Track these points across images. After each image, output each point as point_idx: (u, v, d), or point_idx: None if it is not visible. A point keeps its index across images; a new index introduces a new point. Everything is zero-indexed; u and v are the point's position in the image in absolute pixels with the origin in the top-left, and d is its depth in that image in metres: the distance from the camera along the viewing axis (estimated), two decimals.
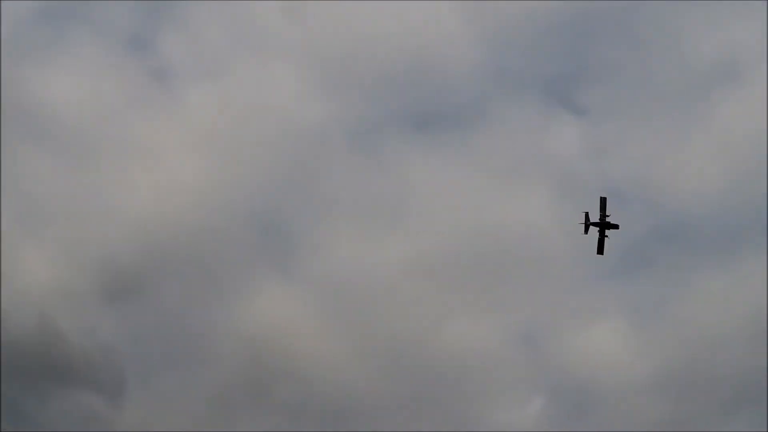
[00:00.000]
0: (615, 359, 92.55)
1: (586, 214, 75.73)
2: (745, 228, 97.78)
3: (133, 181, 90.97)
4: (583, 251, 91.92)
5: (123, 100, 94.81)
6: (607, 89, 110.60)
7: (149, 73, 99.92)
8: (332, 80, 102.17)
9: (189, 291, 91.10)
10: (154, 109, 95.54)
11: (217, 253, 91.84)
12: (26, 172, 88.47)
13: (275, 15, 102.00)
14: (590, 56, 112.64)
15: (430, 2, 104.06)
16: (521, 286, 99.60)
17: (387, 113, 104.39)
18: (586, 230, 75.43)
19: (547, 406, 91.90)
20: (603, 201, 75.63)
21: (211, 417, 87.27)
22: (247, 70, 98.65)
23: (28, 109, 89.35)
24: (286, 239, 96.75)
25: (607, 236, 76.01)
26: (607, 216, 75.17)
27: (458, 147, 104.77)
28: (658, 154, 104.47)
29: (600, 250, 76.25)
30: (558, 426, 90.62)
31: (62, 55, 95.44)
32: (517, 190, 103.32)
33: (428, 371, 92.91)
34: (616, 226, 75.89)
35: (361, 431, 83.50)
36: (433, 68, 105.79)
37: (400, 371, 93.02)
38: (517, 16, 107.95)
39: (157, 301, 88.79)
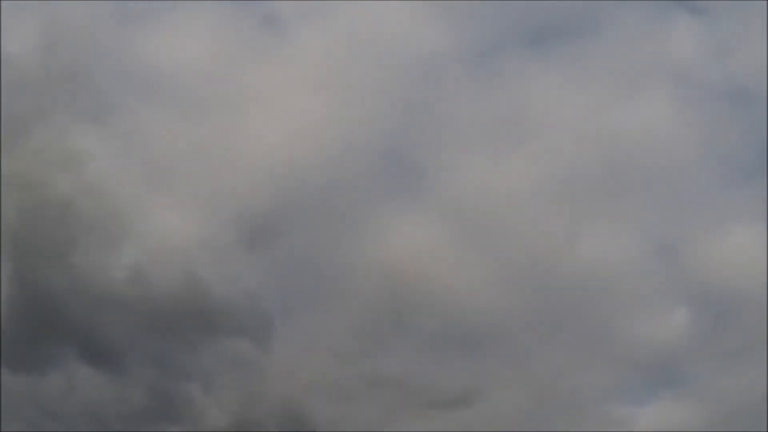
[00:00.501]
0: (756, 263, 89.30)
1: None
2: None
3: (255, 129, 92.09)
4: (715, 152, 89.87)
5: (234, 50, 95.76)
6: None
7: (258, 20, 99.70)
8: (440, 7, 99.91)
9: (323, 231, 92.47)
10: (266, 55, 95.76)
11: (346, 190, 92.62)
12: (148, 132, 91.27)
13: None
14: None
15: None
16: (653, 196, 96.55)
17: (500, 33, 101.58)
18: None
19: (691, 316, 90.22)
20: None
21: (356, 351, 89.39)
22: (355, 6, 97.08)
23: (141, 69, 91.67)
24: (413, 170, 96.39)
25: None
26: None
27: (576, 59, 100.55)
28: None
29: None
30: (703, 335, 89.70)
31: (169, 10, 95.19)
32: (639, 98, 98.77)
33: (565, 289, 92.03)
34: None
35: None
36: None
37: (536, 292, 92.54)
38: None
39: (293, 244, 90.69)
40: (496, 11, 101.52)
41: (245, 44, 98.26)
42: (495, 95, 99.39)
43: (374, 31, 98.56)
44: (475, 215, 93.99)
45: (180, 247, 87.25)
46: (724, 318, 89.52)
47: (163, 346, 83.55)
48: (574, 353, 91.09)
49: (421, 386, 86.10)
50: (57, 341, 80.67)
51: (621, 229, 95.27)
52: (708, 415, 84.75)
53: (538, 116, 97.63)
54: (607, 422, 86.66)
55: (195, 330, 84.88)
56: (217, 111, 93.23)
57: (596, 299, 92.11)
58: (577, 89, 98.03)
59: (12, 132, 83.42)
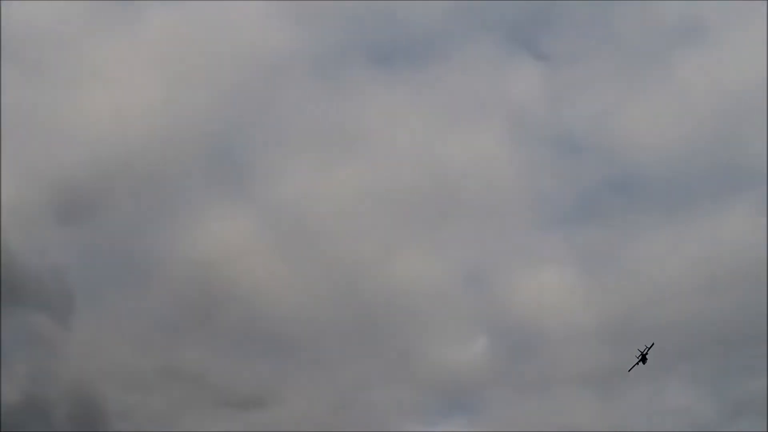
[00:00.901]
0: (560, 304, 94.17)
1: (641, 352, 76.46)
2: (696, 183, 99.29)
3: (88, 102, 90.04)
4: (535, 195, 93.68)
5: (82, 20, 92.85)
6: (570, 37, 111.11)
7: None
8: (297, 9, 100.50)
9: (140, 214, 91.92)
10: (114, 30, 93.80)
11: (170, 176, 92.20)
12: None
13: None
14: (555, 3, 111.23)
15: None
16: (472, 224, 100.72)
17: (350, 44, 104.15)
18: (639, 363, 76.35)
19: (491, 346, 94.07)
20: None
21: (157, 342, 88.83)
22: None
23: None
24: (240, 164, 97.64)
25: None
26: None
27: (417, 82, 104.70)
28: (615, 104, 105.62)
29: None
30: (501, 366, 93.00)
31: None
32: (473, 128, 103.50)
33: (375, 302, 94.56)
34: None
35: None
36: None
37: (347, 300, 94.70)
38: None
39: (108, 223, 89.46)
40: (350, 23, 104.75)
41: (94, 16, 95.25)
42: (334, 104, 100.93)
43: (226, 24, 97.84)
44: (296, 221, 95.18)
45: None
46: (522, 351, 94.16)
47: None
48: (376, 368, 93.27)
49: (219, 384, 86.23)
50: None
51: (436, 254, 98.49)
52: None
53: (372, 132, 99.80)
54: None
55: None
56: (53, 77, 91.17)
57: (403, 318, 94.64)
58: (415, 113, 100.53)
59: None
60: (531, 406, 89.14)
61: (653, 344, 74.85)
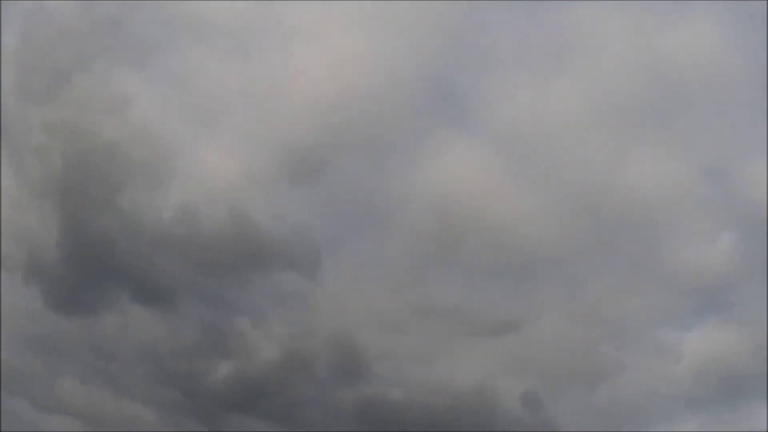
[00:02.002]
0: None
1: None
2: None
3: (298, 64, 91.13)
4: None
5: None
6: None
7: None
8: None
9: (369, 162, 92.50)
10: None
11: (391, 120, 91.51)
12: (191, 73, 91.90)
13: None
14: None
15: None
16: (700, 119, 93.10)
17: None
18: None
19: (738, 241, 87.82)
20: None
21: (405, 281, 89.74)
22: None
23: (180, 11, 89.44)
24: (458, 99, 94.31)
25: None
26: None
27: None
28: None
29: None
30: (751, 261, 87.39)
31: None
32: (685, 20, 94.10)
33: (614, 215, 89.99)
34: None
35: None
36: None
37: (584, 215, 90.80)
38: None
39: (339, 176, 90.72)
40: None
41: None
42: (538, 21, 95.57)
43: None
44: (522, 143, 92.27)
45: (226, 185, 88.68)
46: None
47: (213, 283, 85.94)
48: (622, 279, 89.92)
49: (470, 314, 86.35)
50: (110, 283, 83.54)
51: (668, 154, 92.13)
52: (754, 341, 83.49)
53: (582, 42, 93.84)
54: (654, 347, 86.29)
55: (244, 266, 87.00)
56: (258, 48, 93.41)
57: (644, 225, 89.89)
58: (622, 12, 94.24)
59: (55, 81, 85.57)
60: None
61: None
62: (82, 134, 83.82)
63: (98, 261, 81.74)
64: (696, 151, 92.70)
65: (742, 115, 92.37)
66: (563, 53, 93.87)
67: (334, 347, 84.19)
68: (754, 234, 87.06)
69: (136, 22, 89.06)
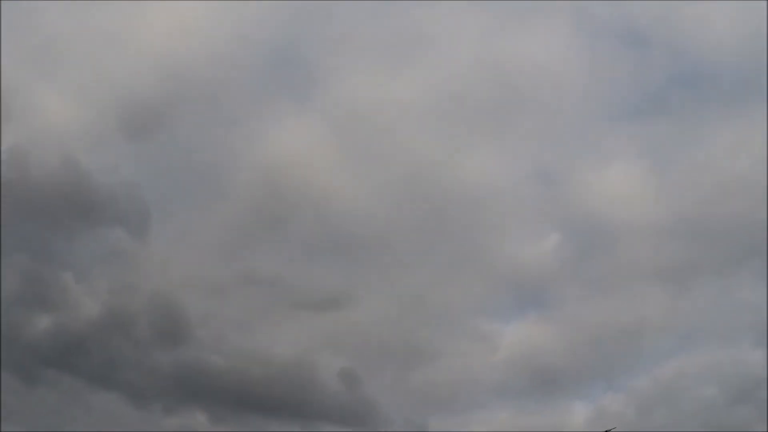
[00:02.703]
0: (629, 200, 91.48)
1: None
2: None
3: (147, 17, 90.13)
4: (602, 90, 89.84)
5: None
6: None
7: None
8: None
9: (206, 125, 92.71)
10: None
11: (233, 85, 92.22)
12: (35, 15, 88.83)
13: None
14: None
15: None
16: (539, 122, 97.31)
17: None
18: None
19: (562, 242, 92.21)
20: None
21: (230, 248, 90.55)
22: None
23: None
24: (302, 70, 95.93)
25: None
26: None
27: None
28: None
29: None
30: (572, 262, 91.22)
31: None
32: (536, 26, 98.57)
33: (445, 201, 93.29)
34: None
35: None
36: None
37: (416, 202, 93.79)
38: None
39: (176, 136, 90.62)
40: None
41: None
42: (394, 14, 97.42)
43: None
44: (363, 124, 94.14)
45: (61, 134, 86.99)
46: (593, 248, 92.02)
47: (38, 231, 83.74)
48: (448, 268, 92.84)
49: (294, 287, 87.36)
50: None
51: (504, 152, 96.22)
52: (570, 338, 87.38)
53: (436, 33, 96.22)
54: (474, 336, 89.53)
55: (72, 217, 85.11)
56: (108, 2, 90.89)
57: (473, 217, 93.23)
58: (478, 11, 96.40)
59: None
60: (602, 301, 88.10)
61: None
62: None
63: None
64: (531, 153, 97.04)
65: (576, 121, 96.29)
66: (413, 46, 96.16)
67: (156, 309, 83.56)
68: (577, 236, 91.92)
69: None
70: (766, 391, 76.40)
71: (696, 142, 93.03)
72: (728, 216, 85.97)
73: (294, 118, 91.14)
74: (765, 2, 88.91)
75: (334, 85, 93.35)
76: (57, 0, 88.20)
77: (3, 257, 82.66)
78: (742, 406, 78.50)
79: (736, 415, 77.71)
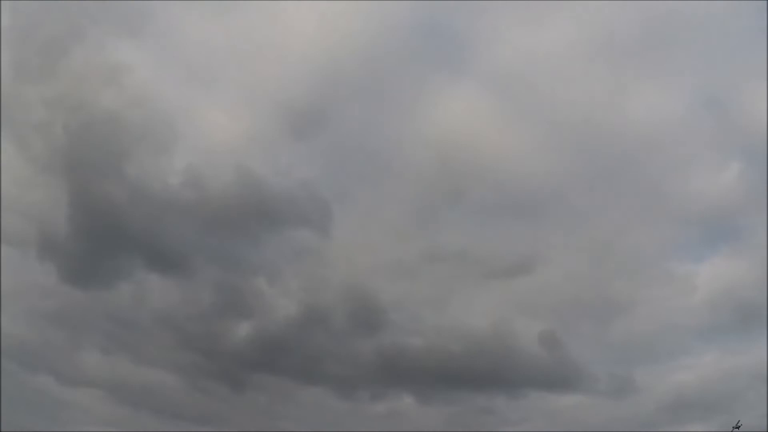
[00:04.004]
0: None
1: None
2: None
3: (288, 19, 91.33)
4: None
5: None
6: None
7: None
8: None
9: (368, 112, 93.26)
10: None
11: (387, 69, 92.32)
12: (185, 36, 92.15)
13: None
14: None
15: None
16: (696, 49, 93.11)
17: None
18: None
19: (744, 169, 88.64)
20: None
21: (412, 227, 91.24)
22: None
23: None
24: (451, 41, 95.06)
25: None
26: None
27: None
28: None
29: None
30: (757, 189, 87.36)
31: None
32: None
33: (616, 150, 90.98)
34: None
35: None
36: None
37: (587, 154, 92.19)
38: None
39: (342, 129, 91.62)
40: None
41: None
42: None
43: None
44: (520, 81, 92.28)
45: (229, 145, 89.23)
46: None
47: (225, 244, 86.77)
48: (629, 213, 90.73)
49: (480, 257, 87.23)
50: (122, 253, 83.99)
51: (666, 85, 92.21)
52: (765, 266, 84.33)
53: None
54: (667, 279, 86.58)
55: (255, 225, 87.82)
56: (247, 8, 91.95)
57: (647, 157, 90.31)
58: None
59: (51, 55, 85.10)
60: None
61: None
62: (82, 106, 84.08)
63: (109, 231, 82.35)
64: (695, 82, 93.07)
65: (738, 43, 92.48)
66: None
67: (349, 299, 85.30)
68: (757, 162, 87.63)
69: None
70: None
71: None
72: None
73: (451, 90, 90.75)
74: None
75: (484, 49, 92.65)
76: (202, 17, 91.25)
77: (196, 273, 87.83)
78: None
79: None
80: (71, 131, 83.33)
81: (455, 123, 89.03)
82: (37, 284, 79.72)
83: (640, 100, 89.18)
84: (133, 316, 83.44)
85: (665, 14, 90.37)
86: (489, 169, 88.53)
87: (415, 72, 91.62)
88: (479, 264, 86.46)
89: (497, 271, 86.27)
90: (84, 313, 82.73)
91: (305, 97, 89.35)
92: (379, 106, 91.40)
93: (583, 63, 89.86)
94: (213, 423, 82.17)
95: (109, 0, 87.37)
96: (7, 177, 78.94)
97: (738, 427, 67.13)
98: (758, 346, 79.56)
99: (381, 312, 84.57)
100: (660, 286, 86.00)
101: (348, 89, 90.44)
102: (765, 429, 71.44)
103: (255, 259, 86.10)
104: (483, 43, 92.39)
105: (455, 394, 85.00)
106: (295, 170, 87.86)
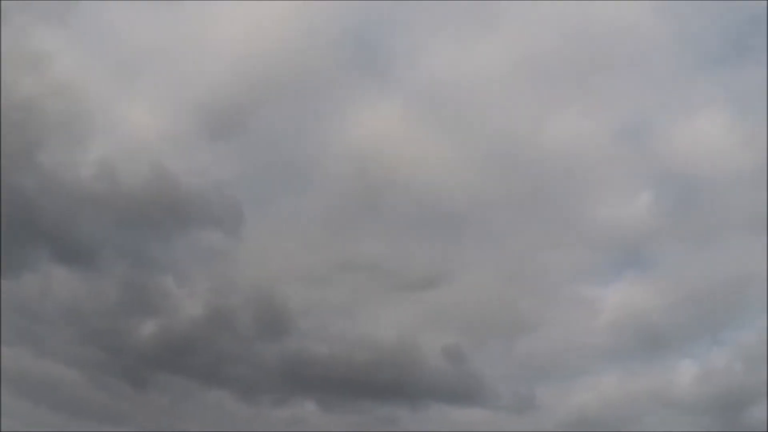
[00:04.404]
0: (720, 149, 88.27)
1: None
2: None
3: (218, 20, 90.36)
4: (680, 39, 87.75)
5: None
6: None
7: None
8: None
9: (289, 118, 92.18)
10: None
11: (311, 76, 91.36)
12: (112, 29, 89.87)
13: None
14: None
15: None
16: (620, 79, 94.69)
17: None
18: None
19: (655, 199, 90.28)
20: None
21: (326, 236, 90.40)
22: None
23: None
24: (379, 54, 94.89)
25: None
26: None
27: None
28: None
29: None
30: (667, 218, 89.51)
31: None
32: None
33: (533, 172, 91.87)
34: None
35: None
36: None
37: (505, 175, 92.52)
38: None
39: (260, 132, 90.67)
40: None
41: None
42: None
43: None
44: (444, 98, 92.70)
45: (147, 141, 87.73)
46: (687, 202, 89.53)
47: (135, 240, 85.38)
48: (542, 235, 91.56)
49: (392, 269, 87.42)
50: (30, 243, 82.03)
51: (587, 112, 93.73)
52: (672, 296, 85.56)
53: (507, 1, 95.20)
54: (575, 302, 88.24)
55: (166, 223, 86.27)
56: (179, 5, 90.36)
57: (563, 181, 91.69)
58: None
59: None
60: (701, 256, 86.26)
61: None
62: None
63: (17, 220, 79.94)
64: (614, 111, 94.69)
65: (661, 77, 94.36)
66: (488, 11, 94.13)
67: (257, 303, 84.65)
68: (669, 192, 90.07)
69: None
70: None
71: None
72: None
73: (375, 102, 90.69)
74: None
75: (411, 63, 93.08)
76: (132, 9, 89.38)
77: (103, 268, 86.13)
78: None
79: None
80: None
81: (377, 135, 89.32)
82: None
83: (561, 125, 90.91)
84: (38, 307, 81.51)
85: (589, 41, 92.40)
86: (407, 183, 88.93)
87: (340, 82, 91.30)
88: (390, 276, 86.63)
89: (407, 284, 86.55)
90: None
91: (227, 98, 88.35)
92: (301, 113, 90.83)
93: (507, 84, 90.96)
94: (114, 421, 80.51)
95: None
96: None
97: None
98: (659, 371, 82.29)
99: (288, 318, 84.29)
100: (566, 307, 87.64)
101: (270, 92, 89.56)
102: None
103: (164, 257, 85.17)
104: (410, 59, 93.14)
105: (358, 403, 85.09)
106: (211, 171, 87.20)
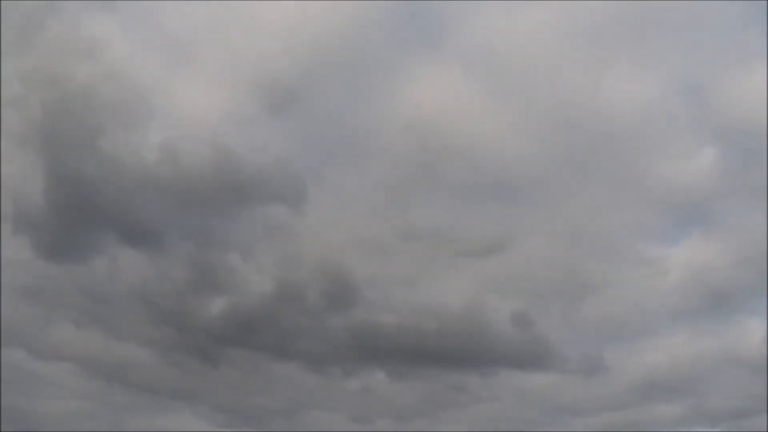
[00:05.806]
0: None
1: None
2: None
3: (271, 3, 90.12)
4: None
5: None
6: None
7: None
8: None
9: (345, 90, 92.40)
10: None
11: (365, 47, 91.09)
12: (163, 12, 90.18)
13: None
14: None
15: None
16: (675, 36, 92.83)
17: None
18: None
19: (717, 155, 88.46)
20: None
21: (387, 206, 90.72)
22: None
23: None
24: (431, 21, 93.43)
25: None
26: None
27: None
28: None
29: None
30: (731, 174, 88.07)
31: None
32: None
33: (592, 133, 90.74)
34: None
35: None
36: None
37: (564, 137, 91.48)
38: None
39: (318, 106, 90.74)
40: None
41: None
42: None
43: None
44: (499, 64, 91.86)
45: (205, 122, 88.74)
46: (749, 156, 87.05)
47: (199, 220, 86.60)
48: (604, 196, 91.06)
49: (454, 236, 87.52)
50: (96, 228, 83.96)
51: (645, 71, 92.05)
52: (739, 253, 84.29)
53: None
54: (639, 262, 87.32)
55: (229, 201, 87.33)
56: None
57: (623, 142, 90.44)
58: None
59: (26, 28, 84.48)
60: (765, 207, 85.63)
61: None
62: (58, 80, 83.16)
63: (84, 207, 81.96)
64: (672, 68, 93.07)
65: (716, 32, 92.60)
66: None
67: (323, 276, 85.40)
68: (733, 148, 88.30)
69: None
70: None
71: None
72: None
73: (429, 71, 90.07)
74: None
75: (464, 31, 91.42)
76: None
77: (171, 248, 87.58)
78: None
79: None
80: (47, 106, 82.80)
81: (432, 103, 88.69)
82: (12, 259, 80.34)
83: (618, 85, 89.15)
84: (107, 290, 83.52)
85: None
86: (465, 150, 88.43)
87: (394, 51, 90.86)
88: (453, 243, 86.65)
89: (471, 251, 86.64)
90: (58, 287, 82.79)
91: (283, 74, 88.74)
92: (356, 84, 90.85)
93: (562, 46, 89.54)
94: (186, 397, 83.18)
95: None
96: None
97: None
98: (728, 330, 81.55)
99: (354, 289, 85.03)
100: (632, 268, 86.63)
101: (326, 67, 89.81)
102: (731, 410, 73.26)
103: (229, 235, 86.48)
104: (462, 24, 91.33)
105: (427, 371, 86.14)
106: (271, 147, 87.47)
